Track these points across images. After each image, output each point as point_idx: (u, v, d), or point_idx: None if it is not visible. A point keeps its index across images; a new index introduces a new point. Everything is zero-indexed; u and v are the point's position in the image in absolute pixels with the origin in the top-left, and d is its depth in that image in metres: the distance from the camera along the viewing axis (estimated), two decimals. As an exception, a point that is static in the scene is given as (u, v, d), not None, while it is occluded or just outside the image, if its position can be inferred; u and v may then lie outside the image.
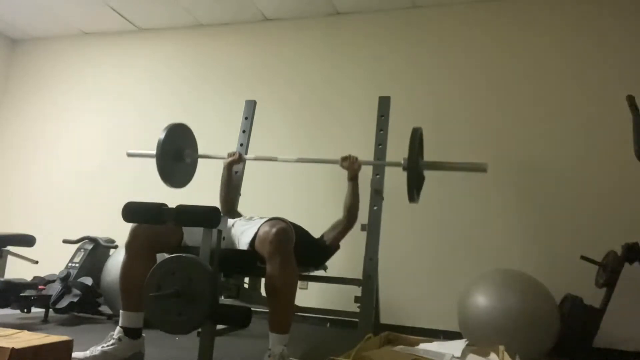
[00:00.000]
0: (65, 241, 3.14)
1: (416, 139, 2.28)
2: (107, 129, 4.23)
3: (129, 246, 1.81)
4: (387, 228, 2.65)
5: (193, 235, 1.91)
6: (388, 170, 2.67)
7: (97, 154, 4.19)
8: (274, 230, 1.74)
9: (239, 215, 2.49)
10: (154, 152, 2.57)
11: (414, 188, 2.26)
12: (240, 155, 2.72)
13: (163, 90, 4.16)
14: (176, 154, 2.71)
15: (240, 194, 2.88)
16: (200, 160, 2.93)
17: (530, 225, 3.11)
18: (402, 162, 2.32)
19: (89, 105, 4.35)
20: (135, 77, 4.28)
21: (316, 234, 2.38)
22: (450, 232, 3.22)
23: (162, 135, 2.57)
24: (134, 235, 1.81)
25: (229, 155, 2.70)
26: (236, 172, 2.90)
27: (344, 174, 2.54)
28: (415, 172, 2.25)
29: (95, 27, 4.41)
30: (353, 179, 2.47)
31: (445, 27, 3.55)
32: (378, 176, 2.62)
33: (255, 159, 2.88)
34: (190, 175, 2.90)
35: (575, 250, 2.78)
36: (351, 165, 2.47)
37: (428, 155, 2.62)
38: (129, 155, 2.99)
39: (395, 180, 2.64)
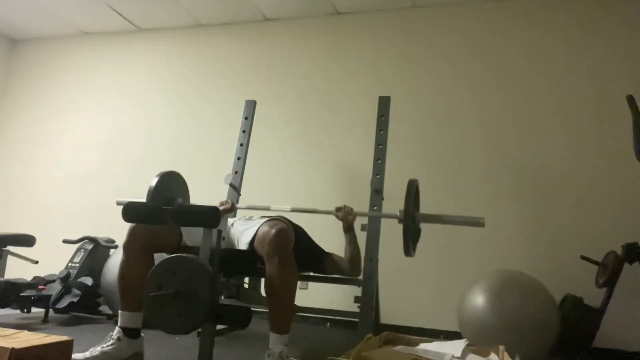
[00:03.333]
0: (65, 241, 3.14)
1: (412, 191, 2.18)
2: (107, 128, 4.23)
3: (127, 246, 1.81)
4: (387, 228, 2.65)
5: (192, 235, 1.91)
6: (388, 170, 2.66)
7: (97, 154, 4.18)
8: (273, 230, 1.74)
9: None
10: (143, 200, 2.48)
11: (410, 241, 2.18)
12: (232, 204, 2.63)
13: (163, 90, 4.16)
14: (167, 203, 2.58)
15: (240, 194, 2.89)
16: (200, 161, 2.94)
17: (530, 226, 3.11)
18: (398, 214, 2.20)
19: (88, 105, 4.35)
20: (135, 77, 4.28)
21: (316, 233, 2.37)
22: (450, 232, 3.21)
23: (152, 183, 2.39)
24: (132, 235, 1.81)
25: (221, 203, 2.58)
26: (236, 172, 2.91)
27: (343, 174, 2.53)
28: (412, 225, 2.17)
29: (95, 27, 4.41)
30: (349, 229, 2.34)
31: (445, 27, 3.55)
32: (378, 176, 2.62)
33: (248, 207, 2.69)
34: None
35: (575, 250, 2.78)
36: (346, 216, 2.34)
37: (428, 156, 2.61)
38: (119, 204, 2.85)
39: (396, 180, 2.64)
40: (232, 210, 2.63)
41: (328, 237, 2.43)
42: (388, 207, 2.63)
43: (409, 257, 2.19)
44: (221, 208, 2.57)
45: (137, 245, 1.80)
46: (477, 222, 2.23)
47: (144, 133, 4.09)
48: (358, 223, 2.47)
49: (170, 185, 2.63)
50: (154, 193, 2.42)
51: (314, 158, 3.61)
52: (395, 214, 2.24)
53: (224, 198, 2.86)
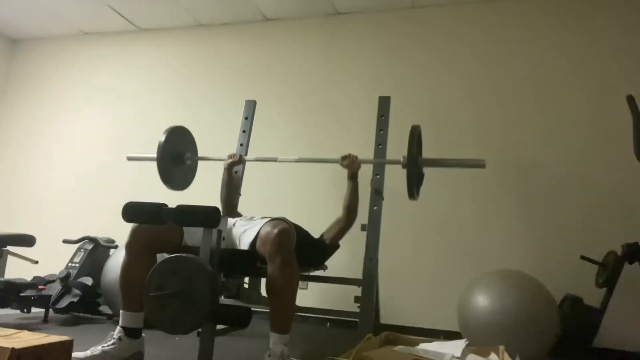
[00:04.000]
0: (65, 241, 3.14)
1: (415, 137, 2.30)
2: (107, 128, 4.23)
3: (129, 246, 1.81)
4: (387, 228, 2.65)
5: (193, 235, 1.91)
6: (388, 170, 2.67)
7: (97, 154, 4.19)
8: (275, 230, 1.74)
9: (239, 215, 2.49)
10: (154, 155, 2.59)
11: (414, 185, 2.28)
12: (240, 156, 2.75)
13: (163, 90, 4.16)
14: (176, 156, 2.74)
15: (240, 194, 2.89)
16: (200, 161, 2.94)
17: (530, 225, 3.11)
18: (402, 159, 2.34)
19: (89, 105, 4.35)
20: (135, 77, 4.28)
21: (316, 233, 2.38)
22: (450, 232, 3.22)
23: (162, 139, 2.59)
24: (134, 235, 1.81)
25: (229, 156, 2.73)
26: (236, 172, 2.91)
27: (343, 173, 2.54)
28: (415, 169, 2.27)
29: (95, 27, 4.41)
30: (353, 177, 2.48)
31: (445, 27, 3.55)
32: (378, 176, 2.62)
33: (256, 159, 2.91)
34: (191, 178, 2.92)
35: (575, 250, 2.78)
36: (351, 164, 2.49)
37: (428, 154, 2.62)
38: (129, 159, 3.01)
39: (395, 180, 2.64)
40: (240, 162, 2.76)
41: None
42: (388, 206, 2.63)
43: (409, 257, 2.20)
44: (229, 160, 2.68)
45: (139, 245, 1.80)
46: (477, 164, 2.38)
47: (144, 133, 4.09)
48: (358, 223, 2.47)
49: (179, 139, 2.74)
50: (164, 147, 2.55)
51: (314, 157, 3.60)
52: (398, 160, 2.39)
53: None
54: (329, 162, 2.70)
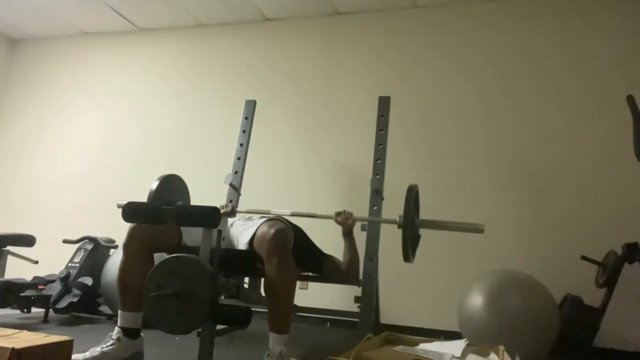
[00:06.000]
0: (65, 241, 3.14)
1: (412, 197, 2.18)
2: (107, 128, 4.23)
3: (127, 247, 1.81)
4: (387, 228, 2.65)
5: (191, 235, 1.91)
6: (388, 170, 2.66)
7: (97, 154, 4.19)
8: (272, 230, 1.74)
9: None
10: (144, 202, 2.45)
11: (409, 247, 2.18)
12: (232, 208, 2.63)
13: (163, 90, 4.16)
14: (167, 205, 2.56)
15: (240, 194, 2.88)
16: (200, 161, 2.94)
17: (530, 226, 3.11)
18: (398, 219, 2.19)
19: (89, 105, 4.35)
20: (135, 77, 4.28)
21: (316, 233, 2.36)
22: (450, 232, 3.21)
23: (153, 187, 2.36)
24: (132, 235, 1.81)
25: (221, 207, 2.59)
26: (236, 172, 2.91)
27: (343, 173, 2.53)
28: (411, 231, 2.18)
29: (95, 27, 4.41)
30: (348, 234, 2.34)
31: (445, 27, 3.55)
32: (378, 176, 2.62)
33: (248, 211, 2.61)
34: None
35: (575, 250, 2.78)
36: (345, 220, 2.33)
37: (429, 155, 2.61)
38: (119, 206, 2.81)
39: (395, 180, 2.64)
40: (232, 213, 2.63)
41: (328, 238, 2.43)
42: (388, 206, 2.62)
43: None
44: (222, 212, 2.56)
45: (137, 245, 1.80)
46: (476, 229, 2.23)
47: (144, 133, 4.09)
48: (358, 223, 2.46)
49: (171, 188, 2.62)
50: (154, 196, 2.41)
51: (314, 158, 3.60)
52: (394, 219, 2.23)
53: (224, 198, 2.87)
54: (323, 218, 2.47)
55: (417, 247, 2.34)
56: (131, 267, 1.77)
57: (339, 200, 2.52)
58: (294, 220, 2.12)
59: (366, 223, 2.46)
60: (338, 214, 2.36)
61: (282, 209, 2.49)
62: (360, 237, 2.46)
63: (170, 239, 1.89)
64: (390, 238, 2.95)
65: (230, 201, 2.77)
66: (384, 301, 2.85)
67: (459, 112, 3.39)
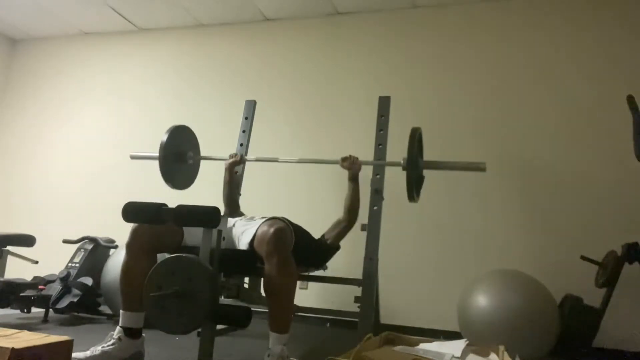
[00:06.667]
0: (65, 241, 3.14)
1: (415, 139, 2.29)
2: (107, 128, 4.23)
3: (130, 246, 1.81)
4: (387, 228, 2.65)
5: (193, 235, 1.91)
6: (388, 170, 2.67)
7: (97, 154, 4.19)
8: (271, 230, 1.74)
9: (242, 214, 2.49)
10: (156, 154, 2.59)
11: (414, 187, 2.27)
12: (241, 156, 2.76)
13: (163, 90, 4.16)
14: (179, 156, 2.75)
15: (240, 194, 2.89)
16: (201, 161, 2.94)
17: (530, 226, 3.11)
18: (402, 161, 2.32)
19: (89, 105, 4.35)
20: (135, 77, 4.28)
21: (316, 233, 2.37)
22: (450, 232, 3.22)
23: (164, 138, 2.59)
24: (134, 235, 1.81)
25: (231, 156, 2.74)
26: (236, 172, 2.90)
27: (344, 174, 2.54)
28: (415, 171, 2.26)
29: (95, 27, 4.41)
30: (353, 179, 2.46)
31: (445, 27, 3.55)
32: (378, 176, 2.62)
33: (257, 159, 2.91)
34: (193, 177, 2.92)
35: (575, 250, 2.78)
36: (351, 165, 2.48)
37: (429, 155, 2.62)
38: (133, 157, 3.01)
39: (396, 180, 2.64)
40: (241, 162, 2.79)
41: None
42: (388, 206, 2.63)
43: (409, 257, 2.20)
44: (231, 160, 2.70)
45: (140, 245, 1.80)
46: (477, 167, 2.35)
47: (144, 133, 4.09)
48: (358, 223, 2.47)
49: (181, 138, 2.74)
50: (166, 145, 2.55)
51: (314, 158, 3.60)
52: (398, 162, 2.37)
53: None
54: (329, 163, 2.70)
55: (421, 187, 2.46)
56: (133, 267, 1.77)
57: (339, 200, 2.52)
58: (295, 218, 2.11)
59: (366, 223, 2.47)
60: (344, 159, 2.52)
61: (282, 209, 2.49)
62: (360, 237, 2.47)
63: (172, 239, 1.89)
64: (390, 238, 2.95)
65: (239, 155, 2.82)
66: (384, 301, 2.85)
67: (458, 111, 3.39)
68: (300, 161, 2.82)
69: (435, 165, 2.52)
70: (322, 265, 2.42)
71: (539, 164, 3.16)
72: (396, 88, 3.37)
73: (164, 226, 1.74)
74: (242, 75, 3.97)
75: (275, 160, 2.88)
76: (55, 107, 4.44)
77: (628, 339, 2.73)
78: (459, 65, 3.46)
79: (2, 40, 4.64)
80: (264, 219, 1.90)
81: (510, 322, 2.20)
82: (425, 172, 2.55)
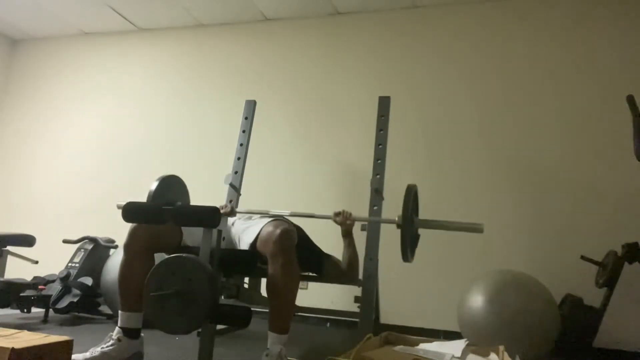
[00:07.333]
0: (65, 241, 3.14)
1: (410, 197, 2.17)
2: (107, 128, 4.23)
3: (128, 247, 1.81)
4: (387, 228, 2.65)
5: (193, 235, 1.91)
6: (388, 169, 2.66)
7: (97, 154, 4.19)
8: (277, 231, 1.74)
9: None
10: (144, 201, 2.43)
11: (408, 246, 2.17)
12: (232, 208, 2.63)
13: (163, 90, 4.16)
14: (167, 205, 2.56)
15: (240, 194, 2.89)
16: (200, 161, 2.94)
17: (530, 226, 3.11)
18: (396, 219, 2.18)
19: (89, 105, 4.35)
20: (135, 77, 4.28)
21: (316, 233, 2.36)
22: (450, 232, 3.21)
23: (152, 187, 2.31)
24: (133, 235, 1.81)
25: (221, 207, 2.48)
26: (236, 172, 2.91)
27: (343, 174, 2.53)
28: (409, 230, 2.17)
29: (95, 27, 4.41)
30: (347, 235, 2.34)
31: (446, 27, 3.55)
32: (378, 176, 2.62)
33: (247, 212, 2.53)
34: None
35: (575, 250, 2.78)
36: (344, 220, 2.32)
37: (429, 154, 2.61)
38: (119, 207, 2.75)
39: (396, 180, 2.64)
40: (232, 213, 2.62)
41: (328, 238, 2.43)
42: (388, 206, 2.63)
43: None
44: (221, 212, 2.55)
45: (138, 245, 1.80)
46: (475, 228, 2.22)
47: (144, 133, 4.09)
48: (358, 222, 2.46)
49: (170, 188, 2.61)
50: (154, 196, 2.39)
51: (314, 158, 3.60)
52: (393, 219, 2.22)
53: (224, 198, 2.87)
54: (322, 218, 2.44)
55: (416, 247, 2.33)
56: (132, 267, 1.77)
57: (339, 200, 2.53)
58: (294, 220, 2.12)
59: (366, 223, 2.46)
60: (337, 214, 2.35)
61: (282, 209, 2.49)
62: (360, 237, 2.46)
63: (171, 239, 1.89)
64: (390, 238, 2.95)
65: (230, 201, 2.78)
66: (384, 301, 2.85)
67: (459, 111, 3.39)
68: (292, 215, 2.43)
69: (431, 225, 2.33)
70: (317, 271, 2.34)
71: (540, 164, 3.16)
72: (396, 88, 3.37)
73: (162, 226, 1.73)
74: (242, 75, 3.97)
75: (266, 213, 2.42)
76: (55, 107, 4.44)
77: (628, 339, 2.73)
78: (459, 65, 3.46)
79: (2, 40, 4.64)
80: (267, 220, 1.90)
81: (510, 322, 2.20)
82: (426, 172, 2.54)
